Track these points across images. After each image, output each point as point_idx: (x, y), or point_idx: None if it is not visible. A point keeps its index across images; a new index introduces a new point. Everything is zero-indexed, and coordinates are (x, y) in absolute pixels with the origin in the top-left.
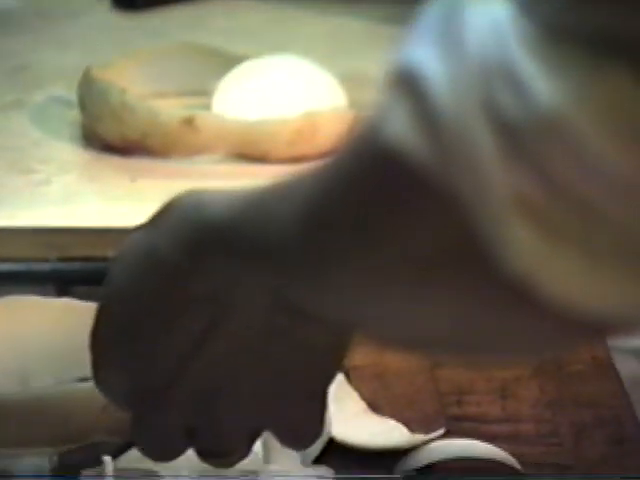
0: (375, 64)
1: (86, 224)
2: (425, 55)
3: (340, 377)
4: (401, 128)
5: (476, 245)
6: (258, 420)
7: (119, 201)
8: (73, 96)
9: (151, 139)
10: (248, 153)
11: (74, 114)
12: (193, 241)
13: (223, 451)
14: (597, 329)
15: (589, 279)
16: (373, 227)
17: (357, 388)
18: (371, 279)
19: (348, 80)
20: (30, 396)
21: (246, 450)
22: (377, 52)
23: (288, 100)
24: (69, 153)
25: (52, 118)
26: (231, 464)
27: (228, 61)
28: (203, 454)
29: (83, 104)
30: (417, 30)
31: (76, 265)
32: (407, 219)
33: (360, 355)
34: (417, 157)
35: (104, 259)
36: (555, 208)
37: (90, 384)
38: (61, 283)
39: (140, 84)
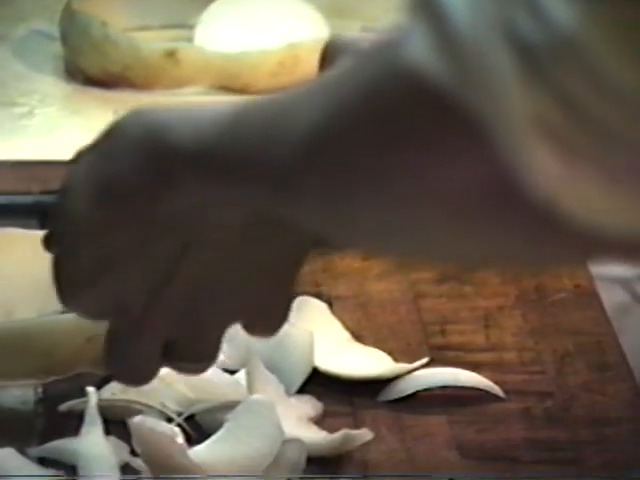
0: None
1: (68, 157)
2: None
3: (323, 307)
4: (421, 49)
5: (498, 165)
6: (232, 315)
7: None
8: (55, 29)
9: (133, 72)
10: (230, 85)
11: (56, 47)
12: (160, 163)
13: (200, 356)
14: (615, 247)
15: (607, 199)
16: (396, 146)
17: (340, 318)
18: (394, 206)
19: (330, 11)
20: (14, 328)
21: (217, 351)
22: None
23: (270, 32)
24: (51, 86)
25: (34, 51)
26: (204, 369)
27: None
28: (178, 365)
29: (65, 38)
30: None
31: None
32: (429, 139)
33: (343, 285)
34: (437, 77)
35: None
36: (573, 129)
37: (74, 315)
38: (43, 216)
39: (122, 17)
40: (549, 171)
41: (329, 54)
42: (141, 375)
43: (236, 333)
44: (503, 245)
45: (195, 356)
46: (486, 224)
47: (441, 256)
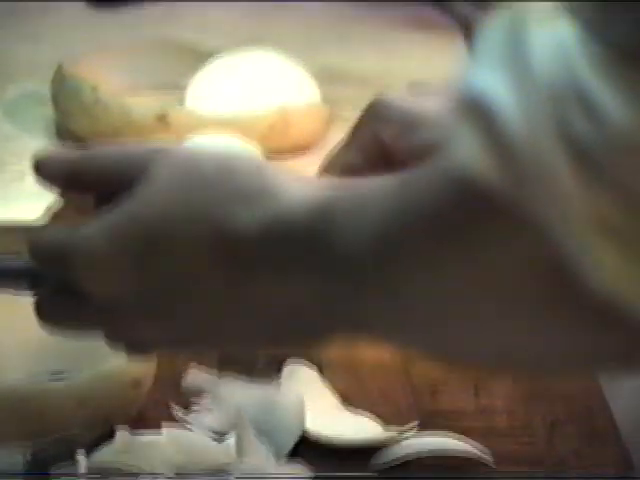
0: (347, 60)
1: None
2: (492, 81)
3: (314, 372)
4: (473, 155)
5: (556, 265)
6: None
7: None
8: (46, 91)
9: (124, 135)
10: None
11: (48, 109)
12: (230, 256)
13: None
14: None
15: None
16: (451, 250)
17: (331, 382)
18: (446, 300)
19: (321, 75)
20: (4, 391)
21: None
22: (350, 48)
23: (261, 95)
24: (42, 148)
25: (25, 113)
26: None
27: (201, 56)
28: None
29: (56, 100)
30: (479, 52)
31: None
32: (483, 242)
33: (333, 350)
34: (492, 183)
35: None
36: (636, 226)
37: (65, 379)
38: (34, 279)
39: (113, 79)
40: (611, 268)
41: (374, 112)
42: None
43: (226, 397)
44: (550, 343)
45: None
46: (539, 320)
47: (479, 354)
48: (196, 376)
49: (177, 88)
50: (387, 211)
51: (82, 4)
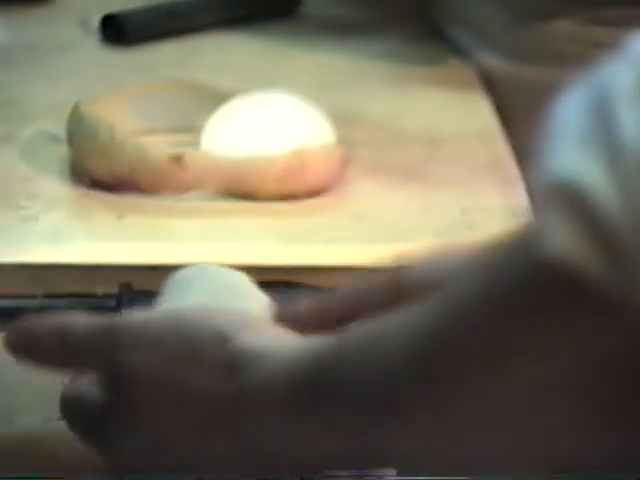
0: (364, 101)
1: (73, 261)
2: (582, 163)
3: None
4: (569, 245)
5: None
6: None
7: (107, 238)
8: (62, 131)
9: (139, 176)
10: (237, 190)
11: (63, 149)
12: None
13: None
14: None
15: None
16: (523, 341)
17: None
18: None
19: (337, 116)
20: (18, 433)
21: None
22: (366, 89)
23: (277, 137)
24: (57, 189)
25: (41, 153)
26: None
27: (217, 97)
28: None
29: (72, 140)
30: (557, 132)
31: (63, 302)
32: (571, 333)
33: None
34: (592, 274)
35: (91, 296)
36: None
37: None
38: None
39: (129, 120)
40: None
41: (394, 281)
42: None
43: None
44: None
45: None
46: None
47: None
48: None
49: (193, 129)
50: (432, 318)
51: (98, 44)
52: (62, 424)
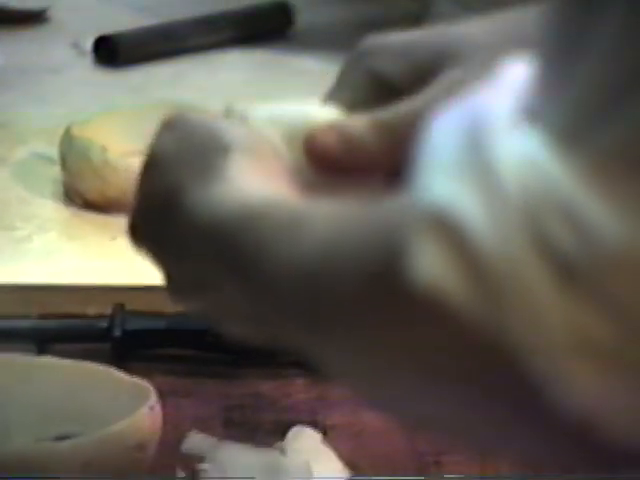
0: None
1: (66, 281)
2: (456, 192)
3: (317, 436)
4: (437, 270)
5: (524, 382)
6: None
7: (99, 259)
8: (55, 152)
9: (132, 197)
10: None
11: (56, 171)
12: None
13: None
14: None
15: None
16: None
17: (335, 447)
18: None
19: None
20: (9, 454)
21: None
22: None
23: None
24: (50, 210)
25: (34, 175)
26: None
27: None
28: None
29: (64, 162)
30: (434, 155)
31: (56, 322)
32: (426, 349)
33: (337, 414)
34: (458, 300)
35: (84, 316)
36: (626, 345)
37: (69, 441)
38: (41, 340)
39: (121, 141)
40: (589, 390)
41: (365, 48)
42: None
43: (228, 461)
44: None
45: None
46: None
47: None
48: (196, 440)
49: None
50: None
51: (91, 65)
52: (55, 444)
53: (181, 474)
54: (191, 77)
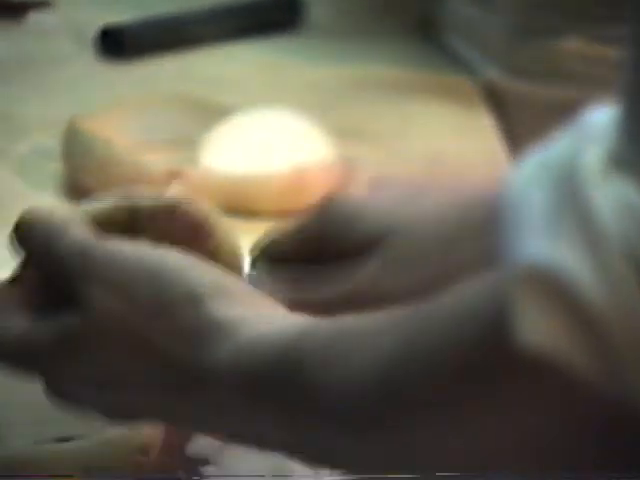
0: (365, 116)
1: None
2: (557, 249)
3: None
4: (549, 333)
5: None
6: None
7: None
8: (57, 146)
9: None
10: (236, 207)
11: (58, 165)
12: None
13: None
14: None
15: None
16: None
17: None
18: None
19: (337, 132)
20: (9, 457)
21: None
22: (367, 103)
23: (276, 154)
24: (52, 205)
25: (35, 169)
26: None
27: (216, 112)
28: None
29: (67, 156)
30: (526, 211)
31: None
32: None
33: None
34: (575, 359)
35: None
36: None
37: (70, 444)
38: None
39: (126, 135)
40: None
41: (322, 210)
42: None
43: (233, 466)
44: None
45: None
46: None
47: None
48: (201, 443)
49: (191, 145)
50: (404, 345)
51: (95, 56)
52: (55, 446)
53: (183, 477)
54: (199, 70)
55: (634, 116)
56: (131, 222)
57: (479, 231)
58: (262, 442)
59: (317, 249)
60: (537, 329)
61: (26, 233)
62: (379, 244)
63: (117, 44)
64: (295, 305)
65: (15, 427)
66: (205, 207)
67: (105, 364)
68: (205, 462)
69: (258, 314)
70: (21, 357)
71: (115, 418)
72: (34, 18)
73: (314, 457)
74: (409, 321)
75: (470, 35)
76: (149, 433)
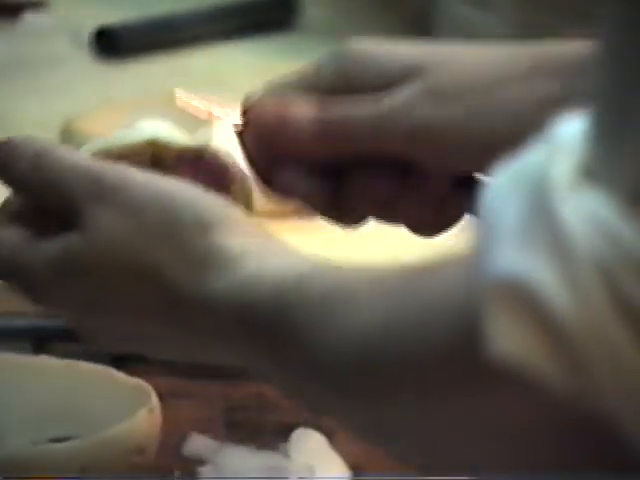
0: None
1: None
2: (527, 260)
3: (323, 438)
4: (518, 340)
5: (618, 443)
6: None
7: None
8: None
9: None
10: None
11: None
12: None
13: None
14: None
15: None
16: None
17: (341, 450)
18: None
19: None
20: (5, 457)
21: None
22: None
23: None
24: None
25: None
26: None
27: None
28: None
29: None
30: (496, 222)
31: (53, 321)
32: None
33: None
34: (544, 371)
35: None
36: None
37: (66, 444)
38: (38, 339)
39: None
40: None
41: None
42: None
43: (230, 464)
44: None
45: None
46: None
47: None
48: (197, 442)
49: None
50: (387, 315)
51: (90, 56)
52: (52, 446)
53: (180, 477)
54: (193, 69)
55: (602, 124)
56: (154, 160)
57: (524, 75)
58: (253, 372)
59: (333, 86)
60: (507, 339)
61: (10, 152)
62: (412, 76)
63: (112, 44)
64: (330, 130)
65: (11, 427)
66: (232, 155)
67: (105, 285)
68: (201, 462)
69: (263, 246)
70: (10, 274)
71: (103, 342)
72: (29, 18)
73: (306, 402)
74: (395, 293)
75: (467, 34)
76: (146, 433)
